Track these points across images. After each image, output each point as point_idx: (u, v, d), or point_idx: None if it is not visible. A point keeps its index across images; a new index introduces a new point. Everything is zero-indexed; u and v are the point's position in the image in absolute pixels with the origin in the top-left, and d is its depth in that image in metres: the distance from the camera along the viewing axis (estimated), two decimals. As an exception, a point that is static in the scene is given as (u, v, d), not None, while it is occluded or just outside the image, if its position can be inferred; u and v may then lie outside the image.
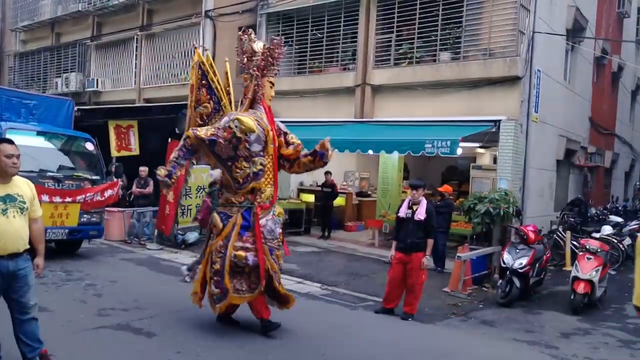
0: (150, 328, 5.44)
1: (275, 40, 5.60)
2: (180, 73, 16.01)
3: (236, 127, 5.06)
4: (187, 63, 15.84)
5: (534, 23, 10.15)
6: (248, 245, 5.21)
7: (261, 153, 5.25)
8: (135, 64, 17.29)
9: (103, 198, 8.92)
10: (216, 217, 5.44)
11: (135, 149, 14.68)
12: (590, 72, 14.83)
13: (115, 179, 9.90)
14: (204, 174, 11.17)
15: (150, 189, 11.60)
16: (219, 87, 5.63)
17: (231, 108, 5.66)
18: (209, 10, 15.20)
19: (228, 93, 5.74)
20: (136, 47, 17.27)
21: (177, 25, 16.08)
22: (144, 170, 11.74)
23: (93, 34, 18.93)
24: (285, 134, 5.78)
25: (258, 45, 5.53)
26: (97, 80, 18.01)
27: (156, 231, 10.63)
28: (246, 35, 5.63)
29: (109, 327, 5.40)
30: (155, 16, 17.19)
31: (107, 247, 10.36)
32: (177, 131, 14.53)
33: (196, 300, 5.63)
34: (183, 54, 16.02)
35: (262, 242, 5.21)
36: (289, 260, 9.88)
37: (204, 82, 5.59)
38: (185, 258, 9.63)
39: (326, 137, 5.55)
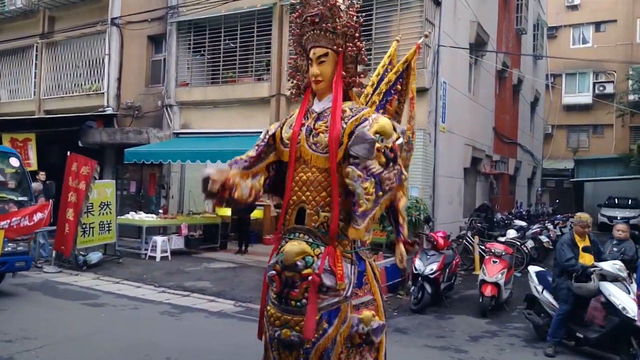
0: (37, 360, 4.92)
1: None
2: (85, 83, 15.20)
3: None
4: (92, 72, 15.15)
5: (439, 37, 10.56)
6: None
7: (256, 147, 3.34)
8: (35, 73, 16.32)
9: (32, 223, 7.64)
10: None
11: (33, 163, 13.65)
12: (493, 84, 15.71)
13: (45, 200, 8.83)
14: (107, 189, 10.51)
15: None
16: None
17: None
18: (116, 18, 14.55)
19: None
20: (36, 55, 16.33)
21: (81, 33, 15.29)
22: (34, 186, 10.76)
23: (-14, 41, 17.53)
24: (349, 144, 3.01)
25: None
26: (-9, 90, 16.66)
27: (54, 252, 9.81)
28: None
29: (-13, 363, 4.82)
30: (57, 23, 16.27)
31: (-2, 272, 9.42)
32: (80, 144, 13.75)
33: None
34: (88, 62, 15.25)
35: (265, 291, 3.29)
36: (202, 277, 9.53)
37: (398, 85, 3.68)
38: (87, 280, 8.98)
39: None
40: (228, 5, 12.37)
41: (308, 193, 3.13)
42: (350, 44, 3.21)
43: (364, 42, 3.30)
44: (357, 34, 3.24)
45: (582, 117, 28.26)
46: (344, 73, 3.22)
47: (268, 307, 3.11)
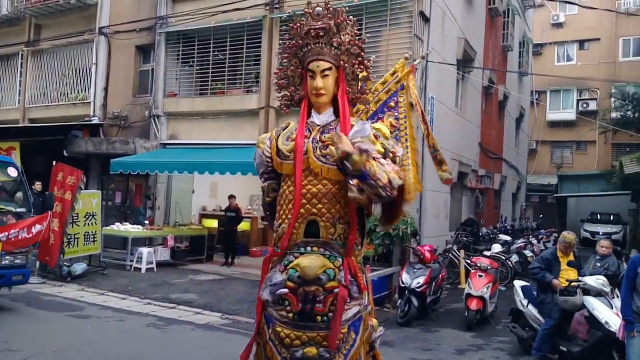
0: (20, 373, 4.85)
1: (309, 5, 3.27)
2: (71, 92, 15.09)
3: None
4: (79, 81, 15.06)
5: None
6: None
7: (265, 175, 3.37)
8: (20, 81, 16.15)
9: (30, 235, 7.35)
10: None
11: (17, 172, 13.46)
12: (479, 100, 15.92)
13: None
14: (93, 200, 10.42)
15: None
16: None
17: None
18: (104, 27, 14.50)
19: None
20: (21, 63, 16.19)
21: (68, 41, 15.20)
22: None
23: (-30, 48, 17.35)
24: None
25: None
26: (-26, 98, 16.48)
27: (38, 263, 9.67)
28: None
29: (-31, 376, 4.74)
30: (43, 31, 16.14)
31: (-21, 282, 9.25)
32: (65, 154, 13.62)
33: None
34: (74, 71, 15.17)
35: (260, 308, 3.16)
36: (188, 289, 9.45)
37: (391, 103, 3.64)
38: (72, 291, 8.86)
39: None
40: (217, 17, 12.42)
41: (320, 205, 3.03)
42: (356, 62, 3.22)
43: (372, 60, 3.31)
44: (361, 52, 3.25)
45: (565, 134, 28.72)
46: (348, 89, 3.21)
47: (278, 329, 2.92)
